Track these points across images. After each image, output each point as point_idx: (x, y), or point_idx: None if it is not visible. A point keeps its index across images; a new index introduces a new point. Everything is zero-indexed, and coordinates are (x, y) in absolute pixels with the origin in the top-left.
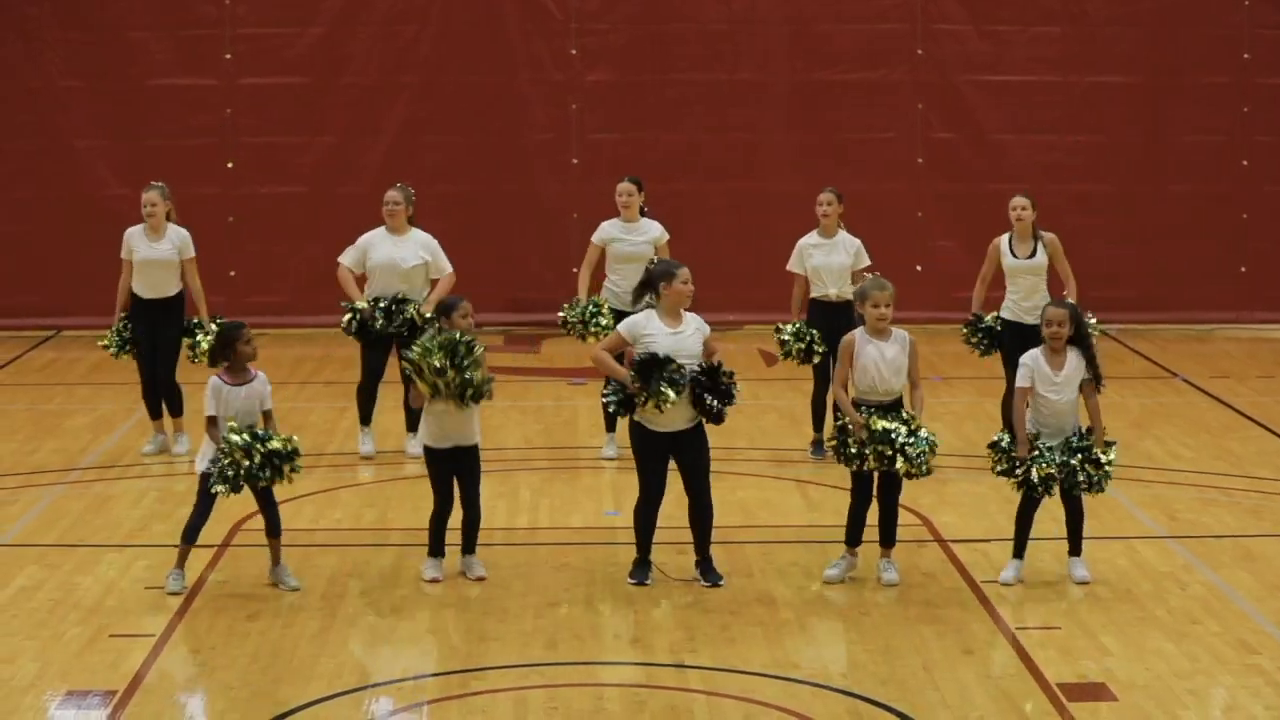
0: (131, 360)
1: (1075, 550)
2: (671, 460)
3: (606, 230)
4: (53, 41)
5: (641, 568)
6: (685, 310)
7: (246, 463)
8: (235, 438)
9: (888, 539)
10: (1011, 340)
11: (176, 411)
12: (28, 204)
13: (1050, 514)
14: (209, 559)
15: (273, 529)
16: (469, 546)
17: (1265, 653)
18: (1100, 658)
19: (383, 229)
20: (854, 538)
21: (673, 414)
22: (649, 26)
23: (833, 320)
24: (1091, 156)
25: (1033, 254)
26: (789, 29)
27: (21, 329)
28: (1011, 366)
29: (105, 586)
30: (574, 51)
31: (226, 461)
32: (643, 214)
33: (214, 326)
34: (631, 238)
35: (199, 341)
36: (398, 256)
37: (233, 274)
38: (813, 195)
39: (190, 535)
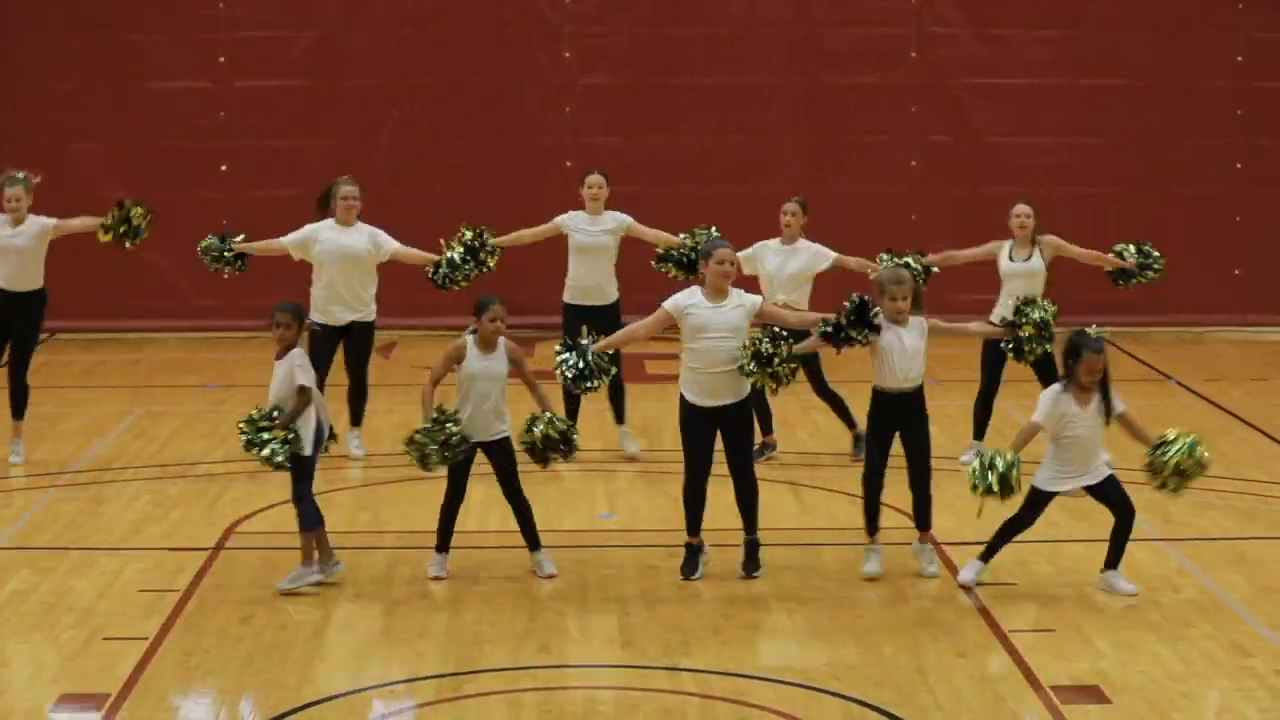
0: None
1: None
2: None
3: (569, 220)
4: (52, 42)
5: (692, 558)
6: (733, 288)
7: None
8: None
9: (924, 522)
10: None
11: (19, 414)
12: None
13: (1045, 518)
14: (202, 562)
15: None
16: (533, 541)
17: (1259, 655)
18: (1094, 660)
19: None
20: (873, 526)
21: (721, 388)
22: (645, 30)
23: None
24: (1089, 159)
25: (1029, 258)
26: (786, 32)
27: None
28: (987, 366)
29: (99, 590)
30: (568, 55)
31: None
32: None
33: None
34: (591, 229)
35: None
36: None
37: (227, 276)
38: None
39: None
